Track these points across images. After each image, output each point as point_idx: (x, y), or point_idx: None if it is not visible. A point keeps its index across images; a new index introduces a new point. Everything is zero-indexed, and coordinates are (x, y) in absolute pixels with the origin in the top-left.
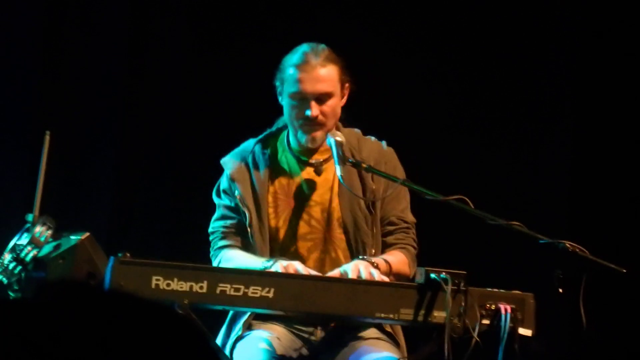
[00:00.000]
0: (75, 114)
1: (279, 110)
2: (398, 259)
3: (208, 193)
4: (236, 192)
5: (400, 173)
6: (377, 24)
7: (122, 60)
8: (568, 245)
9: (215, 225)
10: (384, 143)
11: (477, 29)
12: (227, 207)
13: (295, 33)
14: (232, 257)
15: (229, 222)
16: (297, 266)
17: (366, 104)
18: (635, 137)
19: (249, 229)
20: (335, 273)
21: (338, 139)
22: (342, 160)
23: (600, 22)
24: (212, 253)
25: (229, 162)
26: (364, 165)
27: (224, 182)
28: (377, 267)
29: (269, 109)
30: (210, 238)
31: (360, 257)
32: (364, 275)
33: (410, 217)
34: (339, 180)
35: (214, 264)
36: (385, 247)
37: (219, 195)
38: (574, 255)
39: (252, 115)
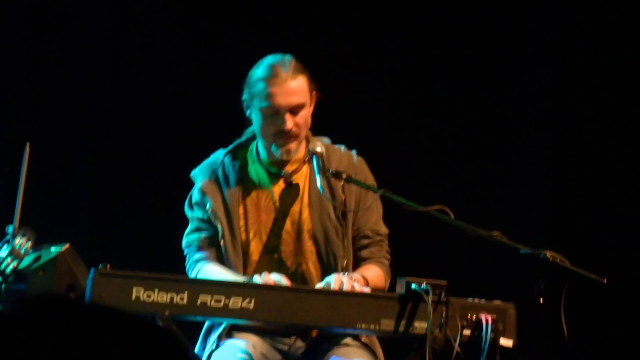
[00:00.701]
0: (54, 124)
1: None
2: (374, 274)
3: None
4: (207, 206)
5: (371, 182)
6: (357, 30)
7: (101, 71)
8: (549, 255)
9: (189, 238)
10: (354, 152)
11: (456, 41)
12: (200, 220)
13: (269, 41)
14: (210, 273)
15: (203, 234)
16: (273, 277)
17: (343, 113)
18: (613, 144)
19: (221, 242)
20: (319, 287)
21: (318, 149)
22: (323, 171)
23: (579, 35)
24: (188, 266)
25: (199, 175)
26: (344, 176)
27: (195, 195)
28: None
29: (246, 120)
30: (186, 252)
31: (342, 272)
32: (347, 287)
33: (384, 229)
34: (320, 191)
35: (191, 277)
36: (359, 261)
37: (191, 208)
38: (554, 265)
39: (230, 127)
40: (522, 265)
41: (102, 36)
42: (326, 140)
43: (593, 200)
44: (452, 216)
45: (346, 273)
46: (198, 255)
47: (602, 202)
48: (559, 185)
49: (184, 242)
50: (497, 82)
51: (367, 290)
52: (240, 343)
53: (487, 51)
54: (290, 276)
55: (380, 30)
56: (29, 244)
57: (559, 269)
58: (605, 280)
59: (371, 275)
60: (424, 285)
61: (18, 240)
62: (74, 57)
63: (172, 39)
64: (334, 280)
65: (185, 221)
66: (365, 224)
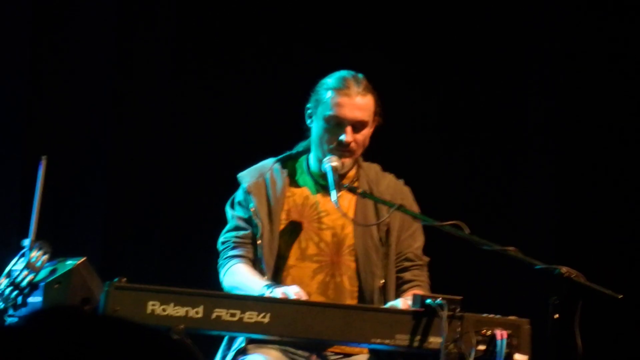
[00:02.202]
0: (67, 137)
1: (279, 137)
2: None
3: (203, 217)
4: (251, 205)
5: (416, 210)
6: (364, 50)
7: (113, 84)
8: (564, 271)
9: (227, 235)
10: (401, 181)
11: (461, 59)
12: (241, 219)
13: (276, 44)
14: (238, 272)
15: (241, 232)
16: (293, 290)
17: None
18: (618, 157)
19: (258, 242)
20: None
21: (334, 164)
22: (338, 185)
23: (581, 49)
24: (220, 262)
25: (246, 176)
26: (359, 191)
27: (239, 195)
28: None
29: (262, 137)
30: (221, 248)
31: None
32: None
33: (425, 257)
34: (335, 204)
35: (221, 273)
36: (402, 283)
37: (233, 207)
38: (569, 280)
39: (244, 143)
40: (537, 281)
41: (112, 43)
42: (376, 166)
43: (600, 212)
44: (468, 231)
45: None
46: (233, 252)
47: (609, 213)
48: (566, 198)
49: (221, 240)
50: (505, 95)
51: None
52: (260, 358)
53: (494, 69)
54: (322, 286)
55: (376, 47)
56: (45, 257)
57: (574, 284)
58: (620, 296)
59: None
60: (438, 300)
61: (34, 254)
62: (84, 68)
63: (184, 48)
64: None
65: (203, 234)
66: (408, 248)
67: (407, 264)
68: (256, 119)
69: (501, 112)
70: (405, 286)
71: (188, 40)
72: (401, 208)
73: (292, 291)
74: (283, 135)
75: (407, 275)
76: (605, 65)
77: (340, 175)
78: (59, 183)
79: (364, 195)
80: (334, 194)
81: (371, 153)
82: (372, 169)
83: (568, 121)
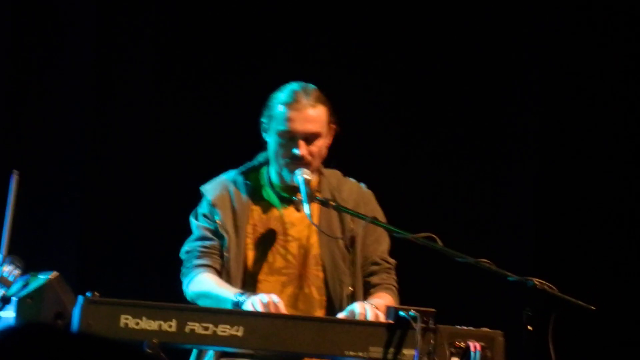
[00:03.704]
0: (41, 151)
1: (250, 148)
2: (386, 302)
3: (176, 231)
4: (216, 217)
5: (379, 215)
6: (339, 58)
7: (88, 97)
8: (537, 283)
9: (192, 245)
10: (363, 185)
11: (441, 71)
12: (207, 229)
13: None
14: (206, 281)
15: (207, 242)
16: (273, 299)
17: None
18: (599, 169)
19: (226, 254)
20: (342, 315)
21: (306, 177)
22: (310, 198)
23: (564, 61)
24: (184, 270)
25: (210, 190)
26: (332, 204)
27: (203, 207)
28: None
29: (238, 152)
30: (185, 257)
31: (363, 301)
32: (370, 316)
33: (391, 260)
34: (308, 217)
35: (185, 281)
36: (369, 287)
37: (197, 219)
38: (542, 292)
39: (220, 158)
40: (511, 293)
41: (89, 58)
42: (337, 172)
43: (579, 225)
44: (440, 243)
45: (368, 302)
46: (199, 261)
47: (589, 227)
48: (546, 210)
49: (185, 248)
50: (483, 108)
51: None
52: None
53: (475, 80)
54: (292, 299)
55: (354, 57)
56: (17, 272)
57: (547, 296)
58: (593, 308)
59: (383, 304)
60: (412, 313)
61: (6, 269)
62: (60, 82)
63: (158, 65)
64: (359, 313)
65: (176, 247)
66: (374, 252)
67: (374, 267)
68: (228, 134)
69: (482, 120)
70: (373, 290)
71: (163, 62)
72: (374, 221)
73: (275, 300)
74: (255, 147)
75: (374, 279)
76: (588, 77)
77: (298, 187)
78: (32, 197)
79: (337, 208)
80: (307, 208)
81: (348, 163)
82: (334, 176)
83: (549, 130)
